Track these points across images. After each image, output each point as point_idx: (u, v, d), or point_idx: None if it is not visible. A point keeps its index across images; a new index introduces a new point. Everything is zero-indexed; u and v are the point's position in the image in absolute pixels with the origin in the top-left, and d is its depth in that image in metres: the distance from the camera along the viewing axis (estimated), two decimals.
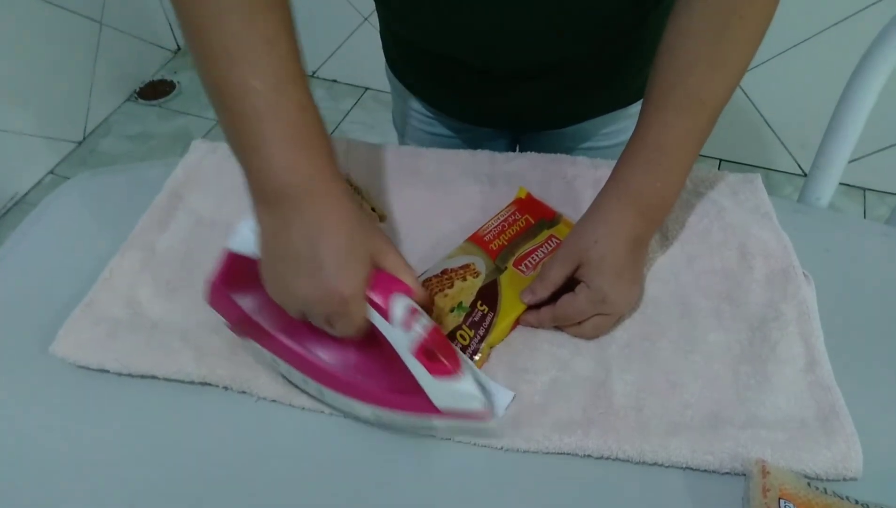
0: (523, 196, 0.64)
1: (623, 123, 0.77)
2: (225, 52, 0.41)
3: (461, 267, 0.57)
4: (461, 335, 0.53)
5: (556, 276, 0.53)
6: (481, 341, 0.53)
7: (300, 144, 0.42)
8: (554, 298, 0.53)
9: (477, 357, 0.52)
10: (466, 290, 0.56)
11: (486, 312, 0.54)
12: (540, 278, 0.54)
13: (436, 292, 0.56)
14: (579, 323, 0.53)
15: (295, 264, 0.43)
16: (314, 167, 0.43)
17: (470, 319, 0.54)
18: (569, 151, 0.72)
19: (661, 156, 0.51)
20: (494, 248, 0.59)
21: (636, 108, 0.54)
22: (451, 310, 0.54)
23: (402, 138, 0.89)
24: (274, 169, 0.42)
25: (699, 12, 0.49)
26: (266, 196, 0.43)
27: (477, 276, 0.57)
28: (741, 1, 0.47)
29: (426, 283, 0.56)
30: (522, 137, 0.85)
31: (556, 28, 0.59)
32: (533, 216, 0.62)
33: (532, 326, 0.55)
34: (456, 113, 0.80)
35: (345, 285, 0.42)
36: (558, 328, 0.55)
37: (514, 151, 0.74)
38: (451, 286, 0.56)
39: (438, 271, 0.57)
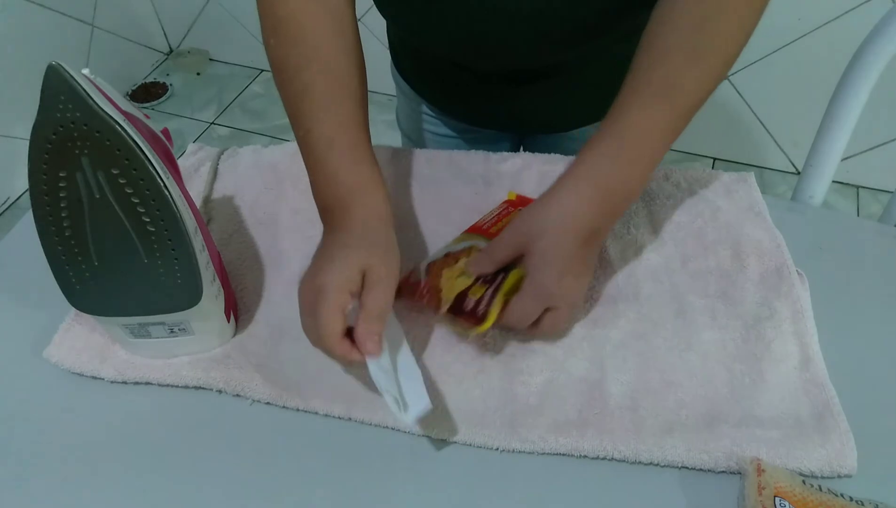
0: (513, 198, 0.64)
1: None
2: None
3: (464, 249, 0.56)
4: (473, 292, 0.51)
5: (501, 255, 0.51)
6: (496, 292, 0.50)
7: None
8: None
9: (493, 309, 0.49)
10: None
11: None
12: (486, 251, 0.52)
13: (441, 268, 0.55)
14: (535, 325, 0.50)
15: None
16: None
17: (480, 279, 0.52)
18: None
19: (629, 143, 0.49)
20: (494, 232, 0.59)
21: None
22: (459, 276, 0.53)
23: (407, 138, 0.89)
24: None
25: (682, 2, 0.48)
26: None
27: None
28: None
29: (430, 266, 0.56)
30: (527, 139, 0.84)
31: (545, 29, 0.59)
32: None
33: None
34: (458, 115, 0.79)
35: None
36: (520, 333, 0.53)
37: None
38: (457, 262, 0.55)
39: (441, 255, 0.57)
